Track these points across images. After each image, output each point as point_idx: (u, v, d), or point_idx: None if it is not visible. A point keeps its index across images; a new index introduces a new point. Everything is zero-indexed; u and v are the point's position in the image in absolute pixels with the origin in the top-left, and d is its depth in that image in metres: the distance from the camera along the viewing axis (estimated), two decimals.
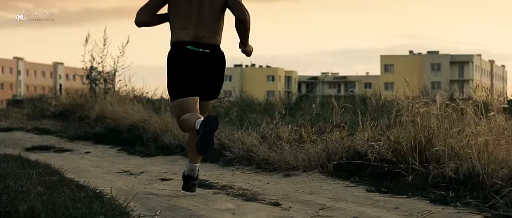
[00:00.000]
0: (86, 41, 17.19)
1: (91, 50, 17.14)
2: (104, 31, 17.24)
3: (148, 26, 5.48)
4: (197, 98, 5.38)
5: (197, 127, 4.99)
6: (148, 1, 5.42)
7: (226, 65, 5.54)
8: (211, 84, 5.43)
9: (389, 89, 52.75)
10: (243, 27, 5.38)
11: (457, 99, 7.22)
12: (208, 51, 5.33)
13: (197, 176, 5.95)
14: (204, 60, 5.31)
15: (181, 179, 6.07)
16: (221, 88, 5.56)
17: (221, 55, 5.45)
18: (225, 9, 5.40)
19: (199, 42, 5.31)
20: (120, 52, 16.79)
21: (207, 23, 5.33)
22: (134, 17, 5.39)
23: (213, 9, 5.33)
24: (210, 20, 5.34)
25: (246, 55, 5.64)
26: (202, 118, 5.03)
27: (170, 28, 5.45)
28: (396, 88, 10.01)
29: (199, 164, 5.91)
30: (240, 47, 5.58)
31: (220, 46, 5.46)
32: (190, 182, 5.91)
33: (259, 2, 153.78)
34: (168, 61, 5.41)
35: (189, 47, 5.28)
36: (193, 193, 5.97)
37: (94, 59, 17.20)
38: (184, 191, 5.97)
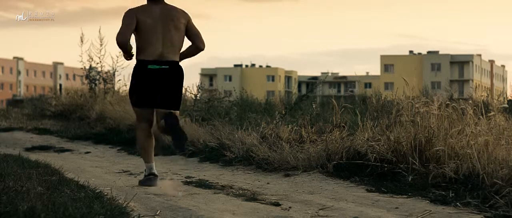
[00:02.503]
0: (82, 41, 17.19)
1: (88, 50, 17.14)
2: (99, 31, 17.22)
3: (127, 45, 6.31)
4: (152, 110, 6.36)
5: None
6: (124, 28, 6.27)
7: (184, 78, 6.43)
8: (170, 94, 6.30)
9: (389, 89, 52.73)
10: (196, 53, 6.51)
11: (457, 100, 7.21)
12: (167, 67, 6.25)
13: (156, 173, 6.55)
14: (163, 75, 6.24)
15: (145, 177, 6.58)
16: (181, 99, 6.46)
17: (179, 69, 6.37)
18: (184, 33, 6.40)
19: (160, 60, 6.23)
20: (120, 52, 16.77)
21: (168, 44, 6.27)
22: (116, 40, 6.27)
23: (175, 33, 6.30)
24: (172, 42, 6.28)
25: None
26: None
27: (137, 46, 6.34)
28: (396, 88, 10.01)
29: (154, 162, 6.53)
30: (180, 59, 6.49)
31: (178, 62, 6.39)
32: (152, 177, 6.48)
33: (259, 2, 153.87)
34: (132, 74, 6.38)
35: (150, 66, 6.22)
36: (155, 186, 6.38)
37: (92, 59, 17.19)
38: (143, 186, 6.44)
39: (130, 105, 6.73)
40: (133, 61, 6.43)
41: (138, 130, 6.53)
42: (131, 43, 6.37)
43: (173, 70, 6.28)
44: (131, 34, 6.29)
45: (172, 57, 6.27)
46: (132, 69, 6.37)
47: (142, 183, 6.53)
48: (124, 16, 6.30)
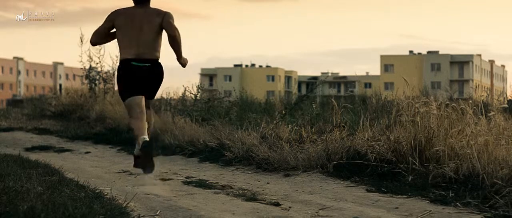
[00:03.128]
0: (81, 41, 17.18)
1: (88, 50, 17.12)
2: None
3: (100, 44, 6.85)
4: (142, 96, 6.66)
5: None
6: (98, 28, 6.71)
7: (164, 75, 6.78)
8: (150, 88, 6.74)
9: (389, 89, 52.72)
10: (174, 41, 6.65)
11: (455, 100, 7.21)
12: (149, 65, 6.62)
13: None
14: (145, 72, 6.62)
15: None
16: (158, 90, 6.85)
17: (159, 67, 6.72)
18: (162, 31, 6.66)
19: (140, 58, 6.60)
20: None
21: (146, 43, 6.61)
22: (90, 40, 6.77)
23: (151, 32, 6.62)
24: (149, 41, 6.61)
25: (182, 66, 6.83)
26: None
27: (118, 47, 6.72)
28: (396, 88, 10.01)
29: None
30: (177, 60, 6.80)
31: (159, 60, 6.73)
32: (147, 149, 6.47)
33: (260, 2, 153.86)
34: (118, 74, 6.76)
35: (133, 63, 6.58)
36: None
37: (91, 59, 17.19)
38: (138, 166, 6.54)
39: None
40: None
41: (132, 120, 6.66)
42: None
43: (154, 69, 6.66)
44: (104, 36, 6.78)
45: (151, 56, 6.63)
46: (117, 71, 6.82)
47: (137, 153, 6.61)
48: (105, 19, 6.74)
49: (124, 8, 6.80)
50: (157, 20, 6.63)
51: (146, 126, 6.62)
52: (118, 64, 6.84)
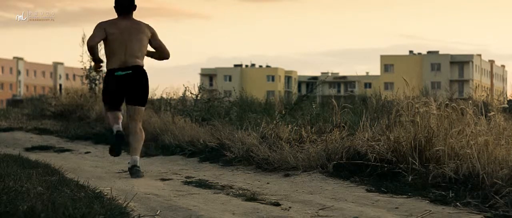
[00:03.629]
0: (83, 41, 17.15)
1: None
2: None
3: (94, 48, 7.55)
4: (120, 111, 7.66)
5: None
6: (92, 35, 7.48)
7: (148, 79, 7.64)
8: (136, 93, 7.51)
9: (389, 89, 52.75)
10: (161, 60, 7.93)
11: (455, 100, 7.21)
12: (131, 71, 7.41)
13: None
14: (128, 78, 7.44)
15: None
16: (147, 96, 7.67)
17: (143, 72, 7.52)
18: (147, 43, 7.57)
19: (123, 67, 7.41)
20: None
21: (131, 53, 7.43)
22: (86, 44, 7.52)
23: (140, 44, 7.46)
24: (134, 52, 7.44)
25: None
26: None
27: (106, 56, 7.60)
28: (396, 88, 10.00)
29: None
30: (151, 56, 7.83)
31: (142, 66, 7.54)
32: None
33: (260, 2, 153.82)
34: (104, 82, 7.71)
35: (116, 73, 7.42)
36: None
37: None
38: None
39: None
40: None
41: (106, 116, 7.82)
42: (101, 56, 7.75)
43: (136, 74, 7.46)
44: (100, 41, 7.50)
45: (134, 62, 7.42)
46: (104, 78, 7.72)
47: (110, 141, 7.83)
48: (95, 28, 7.48)
49: (110, 20, 7.55)
50: (147, 33, 7.50)
51: (120, 118, 7.64)
52: (106, 72, 7.64)
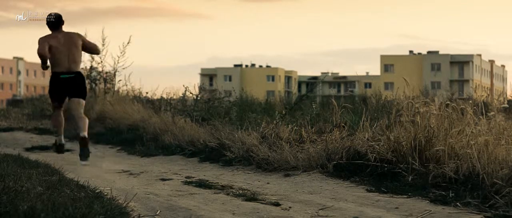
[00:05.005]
0: None
1: None
2: (102, 32, 17.22)
3: (45, 54, 9.06)
4: (63, 103, 9.46)
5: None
6: (40, 45, 9.07)
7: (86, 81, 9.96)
8: (79, 90, 9.30)
9: (389, 89, 52.69)
10: (95, 53, 10.56)
11: (455, 100, 7.21)
12: (73, 75, 9.23)
13: (63, 142, 9.80)
14: (71, 80, 9.23)
15: (55, 147, 9.84)
16: (86, 93, 9.51)
17: (81, 76, 9.38)
18: (82, 49, 9.38)
19: (68, 71, 9.18)
20: (121, 52, 16.73)
21: (72, 60, 9.21)
22: (37, 51, 9.08)
23: (77, 51, 9.26)
24: (74, 58, 9.23)
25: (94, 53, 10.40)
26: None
27: (51, 63, 9.18)
28: (396, 88, 10.01)
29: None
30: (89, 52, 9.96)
31: (80, 71, 9.40)
32: (60, 147, 9.76)
33: (259, 2, 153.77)
34: (49, 83, 9.35)
35: (62, 76, 9.18)
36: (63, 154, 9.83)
37: (93, 59, 17.19)
38: (57, 153, 9.81)
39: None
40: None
41: (53, 115, 9.64)
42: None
43: (77, 77, 9.26)
44: (47, 49, 9.04)
45: (75, 69, 9.25)
46: (50, 79, 9.29)
47: (54, 148, 9.87)
48: (39, 41, 9.08)
49: (49, 35, 9.18)
50: (80, 41, 9.30)
51: (63, 124, 9.52)
52: (50, 76, 9.26)
